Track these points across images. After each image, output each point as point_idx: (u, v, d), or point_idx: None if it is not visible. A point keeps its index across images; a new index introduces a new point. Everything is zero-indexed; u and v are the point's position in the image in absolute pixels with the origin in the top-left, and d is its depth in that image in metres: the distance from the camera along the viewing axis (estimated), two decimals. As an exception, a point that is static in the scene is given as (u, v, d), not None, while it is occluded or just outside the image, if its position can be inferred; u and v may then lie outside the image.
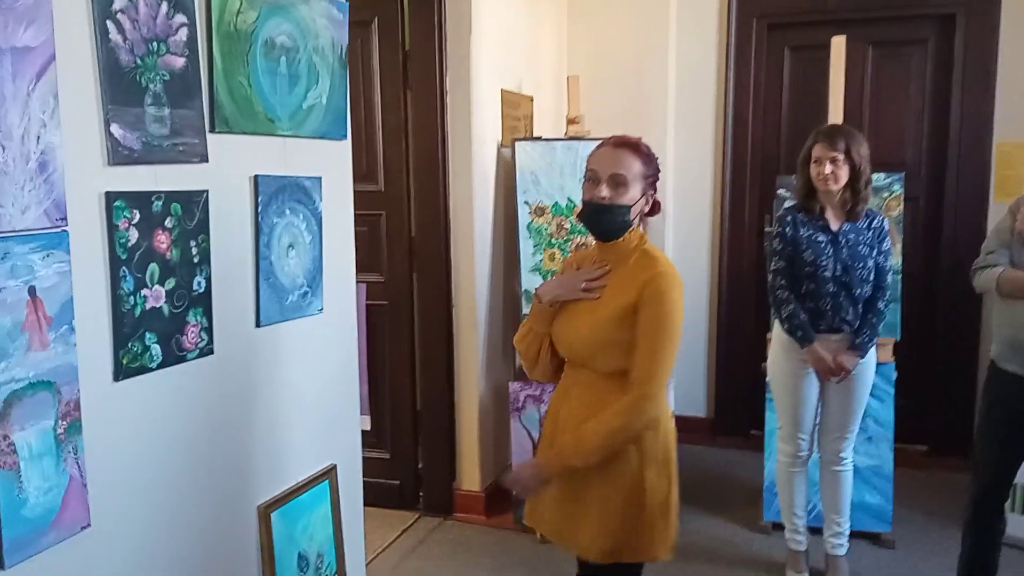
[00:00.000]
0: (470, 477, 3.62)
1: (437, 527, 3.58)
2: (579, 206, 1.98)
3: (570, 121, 3.72)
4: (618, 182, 1.87)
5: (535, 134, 3.95)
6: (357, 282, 3.59)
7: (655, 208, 1.96)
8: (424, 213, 3.52)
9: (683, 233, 4.38)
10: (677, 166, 4.36)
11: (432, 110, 3.45)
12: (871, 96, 4.24)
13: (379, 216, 3.60)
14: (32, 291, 1.52)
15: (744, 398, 4.44)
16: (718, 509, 3.72)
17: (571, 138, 3.68)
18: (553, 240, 3.60)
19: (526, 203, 3.60)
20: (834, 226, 2.90)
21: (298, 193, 2.28)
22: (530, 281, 3.57)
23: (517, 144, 3.61)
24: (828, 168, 2.82)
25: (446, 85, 3.44)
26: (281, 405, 2.26)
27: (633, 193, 1.88)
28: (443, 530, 3.56)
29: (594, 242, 2.00)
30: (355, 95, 3.51)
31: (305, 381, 2.36)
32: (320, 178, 2.37)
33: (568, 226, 3.60)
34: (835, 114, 3.52)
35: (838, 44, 3.59)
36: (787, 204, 3.55)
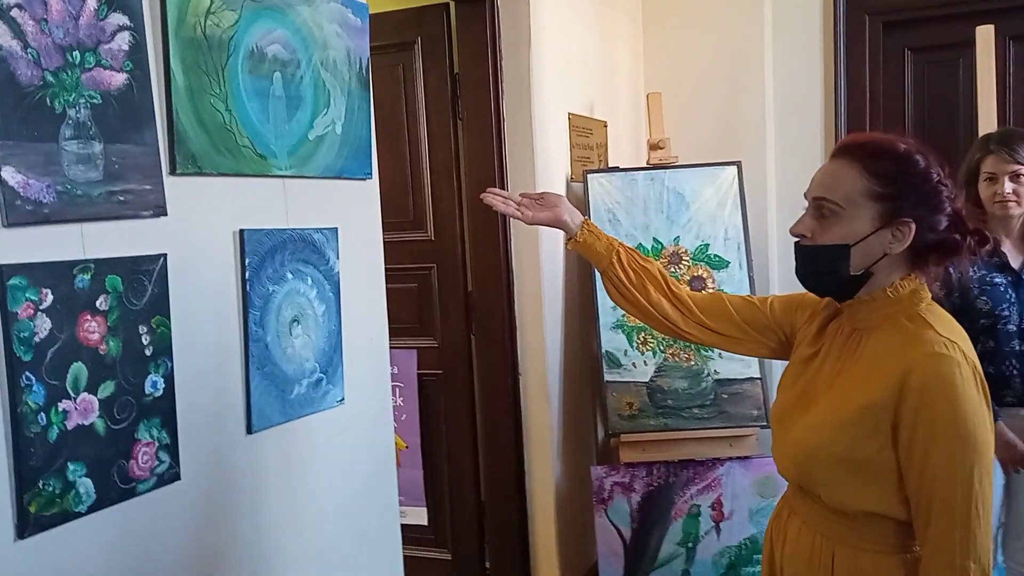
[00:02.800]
0: (547, 582, 2.97)
1: (509, 644, 2.94)
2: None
3: (652, 146, 3.11)
4: (824, 209, 1.24)
5: (611, 164, 3.35)
6: (407, 348, 3.07)
7: (946, 244, 1.23)
8: (482, 264, 2.95)
9: (793, 276, 3.67)
10: (781, 195, 3.67)
11: (487, 142, 2.90)
12: (1015, 100, 3.50)
13: (430, 270, 3.05)
14: None
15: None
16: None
17: (654, 166, 3.07)
18: (638, 290, 2.97)
19: (603, 247, 2.99)
20: (1015, 263, 2.20)
21: (304, 251, 1.73)
22: (611, 340, 2.95)
23: (589, 177, 3.02)
24: (1008, 186, 2.14)
25: (503, 112, 2.89)
26: (284, 541, 1.69)
27: (855, 226, 1.22)
28: (517, 648, 2.92)
29: None
30: (397, 129, 3.01)
31: (320, 501, 1.79)
32: (336, 229, 1.82)
33: (655, 272, 2.96)
34: (987, 120, 2.82)
35: (985, 35, 2.90)
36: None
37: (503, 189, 2.87)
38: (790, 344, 1.46)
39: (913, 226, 1.21)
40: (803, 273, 1.31)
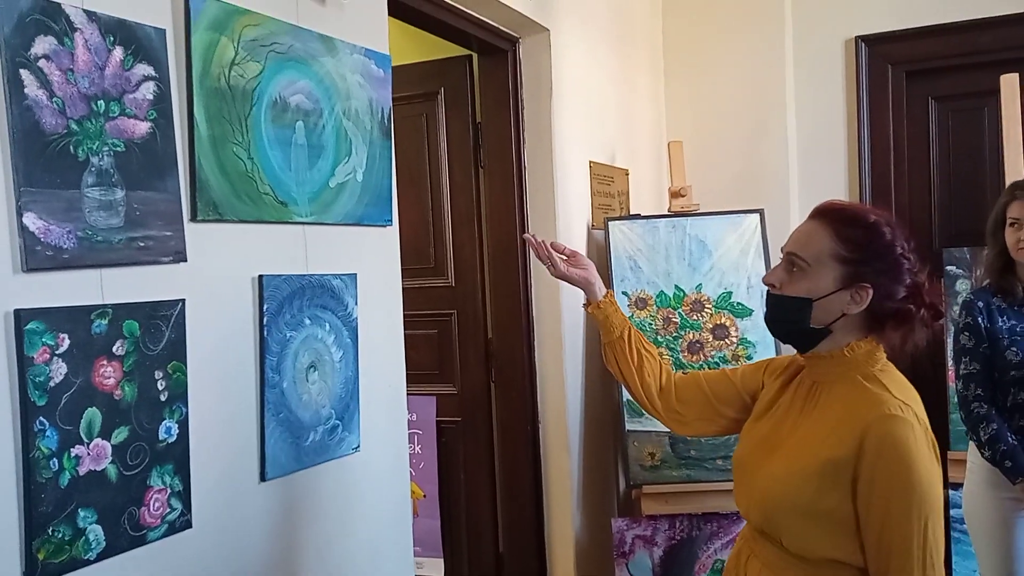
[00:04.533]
0: (567, 639, 2.90)
1: None
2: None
3: (673, 194, 3.11)
4: (793, 263, 1.33)
5: (632, 212, 3.35)
6: (426, 395, 3.05)
7: (900, 313, 1.29)
8: (502, 311, 2.94)
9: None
10: (805, 243, 3.65)
11: (508, 190, 2.91)
12: (1042, 149, 3.46)
13: (450, 316, 3.04)
14: None
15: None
16: None
17: (676, 214, 3.07)
18: (660, 338, 2.94)
19: (624, 294, 2.98)
20: (1046, 312, 2.15)
21: (323, 296, 1.74)
22: (633, 389, 2.91)
23: (611, 224, 3.02)
24: (1033, 233, 2.10)
25: (524, 160, 2.91)
26: (298, 587, 1.66)
27: (818, 283, 1.30)
28: None
29: None
30: (420, 178, 3.04)
31: (334, 551, 1.76)
32: (355, 275, 1.83)
33: (678, 320, 2.94)
34: (1013, 168, 2.80)
35: (1010, 83, 2.90)
36: (961, 284, 2.82)
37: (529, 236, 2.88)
38: (752, 408, 1.51)
39: (871, 291, 1.28)
40: (769, 319, 1.40)
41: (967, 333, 2.20)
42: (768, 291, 1.36)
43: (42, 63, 1.21)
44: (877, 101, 3.61)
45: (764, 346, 2.89)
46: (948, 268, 2.89)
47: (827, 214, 1.33)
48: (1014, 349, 2.13)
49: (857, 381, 1.29)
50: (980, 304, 2.19)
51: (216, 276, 1.49)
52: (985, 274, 2.29)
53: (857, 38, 3.57)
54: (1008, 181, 2.61)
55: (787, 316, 1.33)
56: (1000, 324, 2.16)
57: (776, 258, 3.00)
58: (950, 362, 2.63)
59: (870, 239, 1.29)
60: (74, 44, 1.25)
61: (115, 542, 1.30)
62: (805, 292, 1.30)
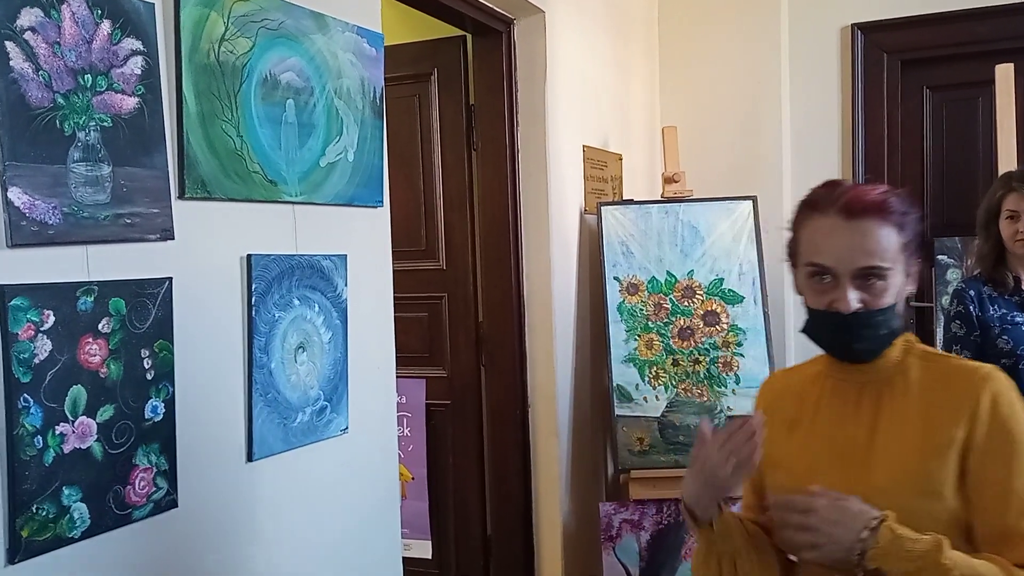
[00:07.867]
0: (553, 621, 2.91)
1: None
2: (810, 318, 1.24)
3: (667, 180, 3.10)
4: (874, 275, 1.17)
5: (625, 197, 3.34)
6: (416, 378, 3.05)
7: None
8: (493, 295, 2.94)
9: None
10: (797, 231, 3.65)
11: (501, 173, 2.90)
12: (1036, 139, 3.47)
13: (440, 299, 3.03)
14: None
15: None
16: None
17: (669, 200, 3.06)
18: (650, 323, 2.94)
19: (616, 279, 2.97)
20: (1037, 302, 2.16)
21: (312, 277, 1.72)
22: (623, 374, 2.91)
23: (603, 209, 3.01)
24: (1027, 224, 2.11)
25: (517, 143, 2.89)
26: (282, 572, 1.66)
27: (897, 280, 1.19)
28: None
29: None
30: (412, 159, 3.02)
31: (321, 532, 1.76)
32: (345, 256, 1.81)
33: (669, 306, 2.94)
34: (1006, 157, 2.80)
35: (1005, 73, 2.89)
36: (952, 273, 2.82)
37: (516, 220, 2.87)
38: None
39: (920, 264, 1.24)
40: (855, 340, 1.21)
41: (958, 321, 2.21)
42: (847, 316, 1.17)
43: (28, 35, 1.19)
44: (872, 89, 3.60)
45: (754, 333, 2.89)
46: (939, 257, 2.90)
47: (878, 209, 1.17)
48: (1005, 337, 2.14)
49: (920, 363, 1.22)
50: (972, 293, 2.20)
51: (204, 255, 1.48)
52: (977, 264, 2.29)
53: (853, 26, 3.56)
54: (1001, 171, 2.61)
55: (885, 328, 1.20)
56: (991, 313, 2.17)
57: (768, 246, 3.02)
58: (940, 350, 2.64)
59: (912, 215, 1.21)
60: (61, 17, 1.23)
61: (100, 520, 1.29)
62: (893, 297, 1.19)
